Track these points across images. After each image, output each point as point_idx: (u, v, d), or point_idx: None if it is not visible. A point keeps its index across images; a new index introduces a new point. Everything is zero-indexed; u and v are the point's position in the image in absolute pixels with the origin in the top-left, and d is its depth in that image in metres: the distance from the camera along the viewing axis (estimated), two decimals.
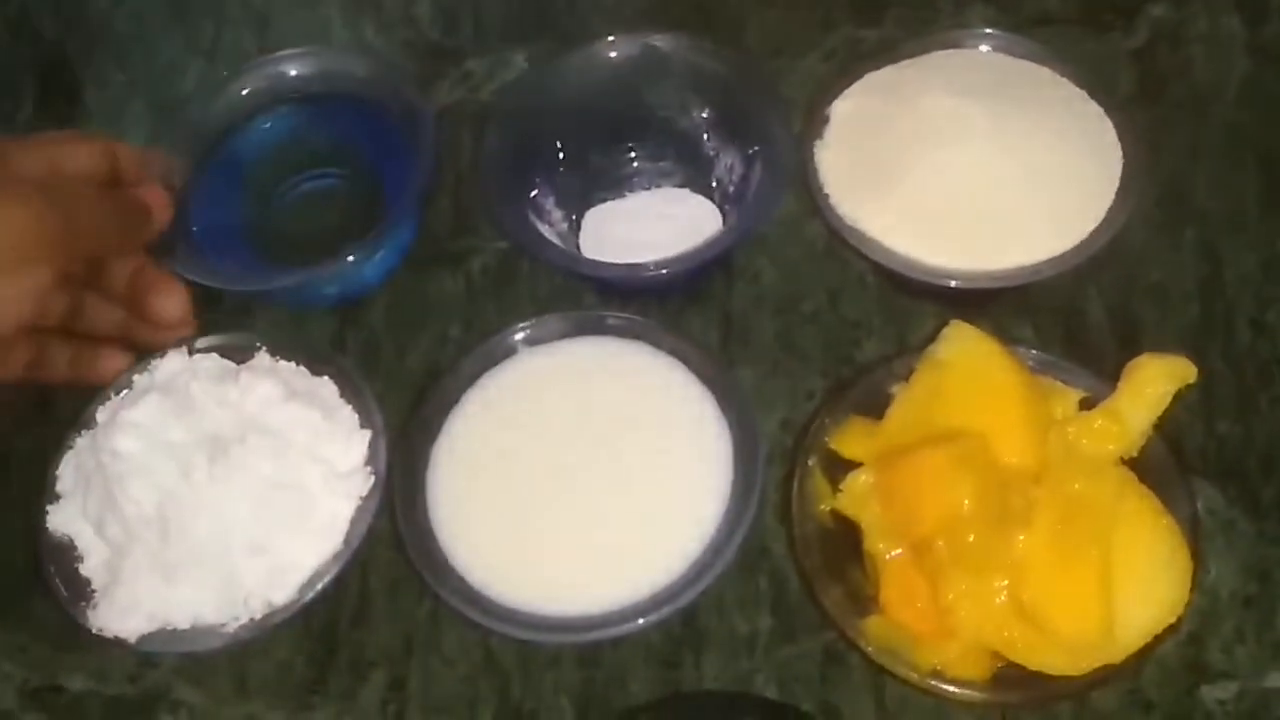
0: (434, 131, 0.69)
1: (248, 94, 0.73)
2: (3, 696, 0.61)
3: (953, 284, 0.62)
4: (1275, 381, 0.64)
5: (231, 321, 0.68)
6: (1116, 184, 0.63)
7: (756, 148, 0.68)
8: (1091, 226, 0.62)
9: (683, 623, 0.60)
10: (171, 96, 0.80)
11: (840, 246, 0.67)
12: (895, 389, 0.60)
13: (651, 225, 0.71)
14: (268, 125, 0.73)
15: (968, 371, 0.57)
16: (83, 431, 0.62)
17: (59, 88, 0.81)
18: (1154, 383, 0.57)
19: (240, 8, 0.83)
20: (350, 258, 0.66)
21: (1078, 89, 0.67)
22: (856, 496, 0.57)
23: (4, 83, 0.81)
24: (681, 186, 0.73)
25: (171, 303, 0.63)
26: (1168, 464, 0.57)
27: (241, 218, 0.72)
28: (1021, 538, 0.53)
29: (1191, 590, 0.54)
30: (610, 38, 0.71)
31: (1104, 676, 0.53)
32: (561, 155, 0.71)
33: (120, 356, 0.63)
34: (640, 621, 0.55)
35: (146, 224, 0.62)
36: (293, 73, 0.73)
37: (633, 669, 0.60)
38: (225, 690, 0.61)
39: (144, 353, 0.64)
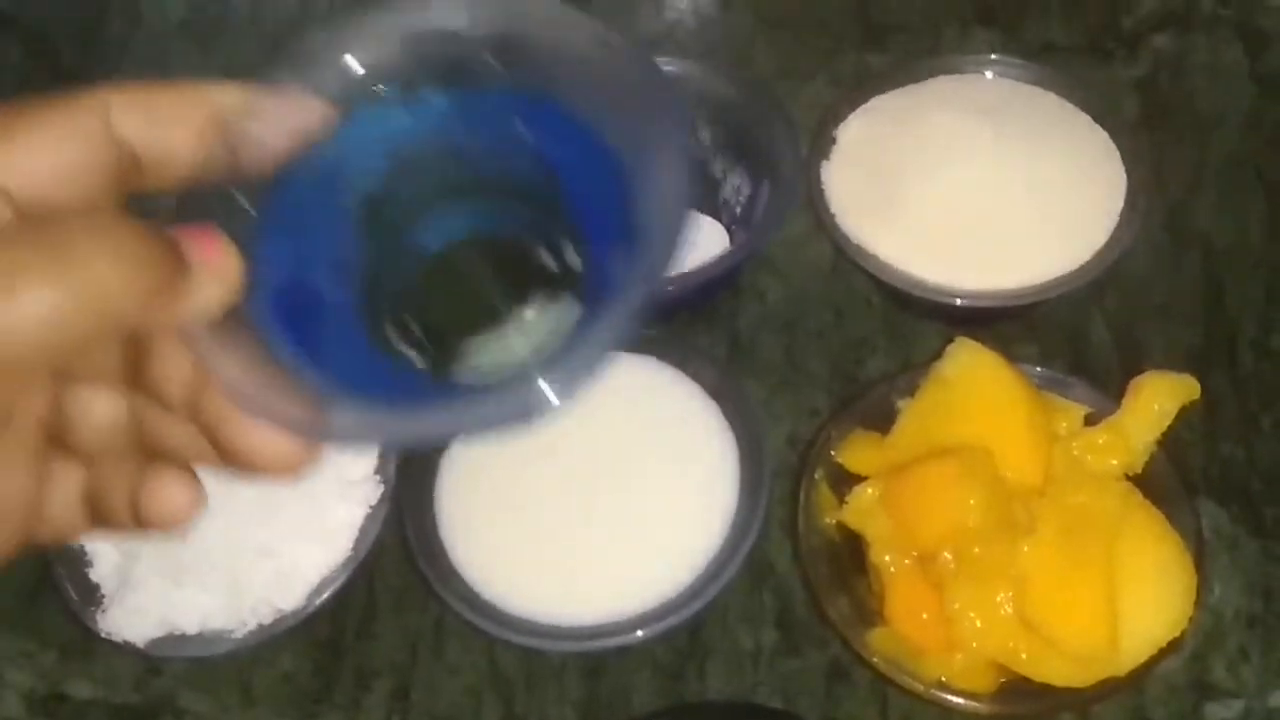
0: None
1: (371, 61, 0.38)
2: (9, 704, 0.62)
3: (958, 303, 0.62)
4: (1278, 404, 0.64)
5: None
6: (1120, 205, 0.64)
7: (763, 169, 0.68)
8: (1096, 247, 0.63)
9: (687, 636, 0.60)
10: None
11: (846, 266, 0.68)
12: (901, 404, 0.60)
13: None
14: (398, 121, 0.40)
15: (973, 387, 0.58)
16: None
17: None
18: (1158, 399, 0.57)
19: (252, 25, 0.84)
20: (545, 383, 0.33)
21: (1081, 113, 0.68)
22: (862, 509, 0.57)
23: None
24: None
25: (265, 436, 0.34)
26: (1171, 481, 0.57)
27: (346, 280, 0.40)
28: (1026, 550, 0.53)
29: (1196, 606, 0.54)
30: None
31: (1108, 689, 0.53)
32: None
33: (186, 488, 0.36)
34: (642, 633, 0.56)
35: (188, 290, 0.32)
36: (456, 24, 0.38)
37: (637, 681, 0.60)
38: (231, 698, 0.61)
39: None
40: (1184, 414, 0.58)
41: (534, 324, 0.37)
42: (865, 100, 0.70)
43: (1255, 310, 0.67)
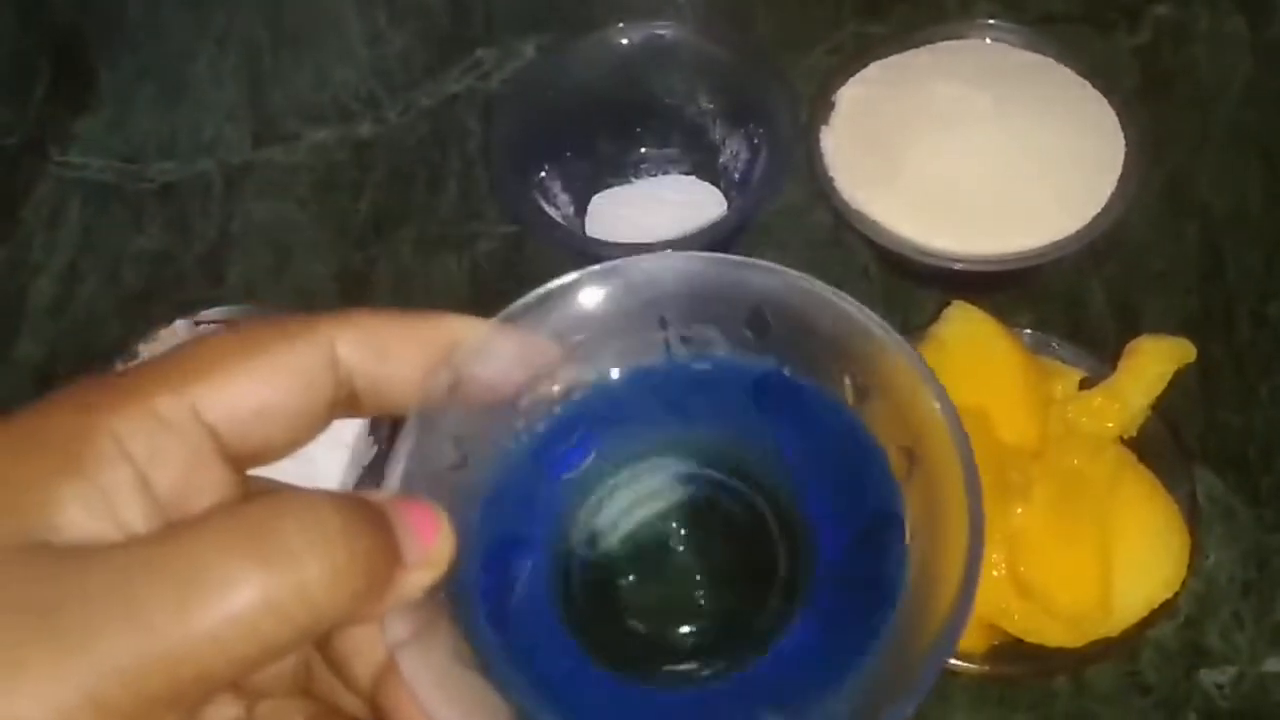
0: None
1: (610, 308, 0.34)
2: None
3: (956, 267, 0.62)
4: (1275, 372, 0.64)
5: (234, 295, 0.68)
6: (1119, 170, 0.64)
7: (762, 134, 0.68)
8: (1094, 211, 0.62)
9: None
10: (184, 79, 0.80)
11: (845, 232, 0.67)
12: None
13: (657, 210, 0.71)
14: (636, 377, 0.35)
15: (969, 350, 0.58)
16: None
17: (72, 71, 0.82)
18: (1153, 362, 0.57)
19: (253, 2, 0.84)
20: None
21: (1081, 80, 0.67)
22: None
23: (19, 65, 0.82)
24: (688, 173, 0.73)
25: None
26: (1166, 445, 0.57)
27: (548, 555, 0.35)
28: (1020, 512, 0.53)
29: (1189, 569, 0.54)
30: (620, 25, 0.72)
31: (1101, 650, 0.53)
32: (570, 141, 0.72)
33: None
34: None
35: (399, 585, 0.29)
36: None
37: None
38: None
39: None
40: (1180, 381, 0.58)
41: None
42: (864, 66, 0.70)
43: (1253, 279, 0.67)
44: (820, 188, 0.66)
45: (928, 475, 0.31)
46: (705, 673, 0.32)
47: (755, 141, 0.69)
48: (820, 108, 0.68)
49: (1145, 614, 0.53)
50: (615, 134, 0.73)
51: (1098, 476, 0.54)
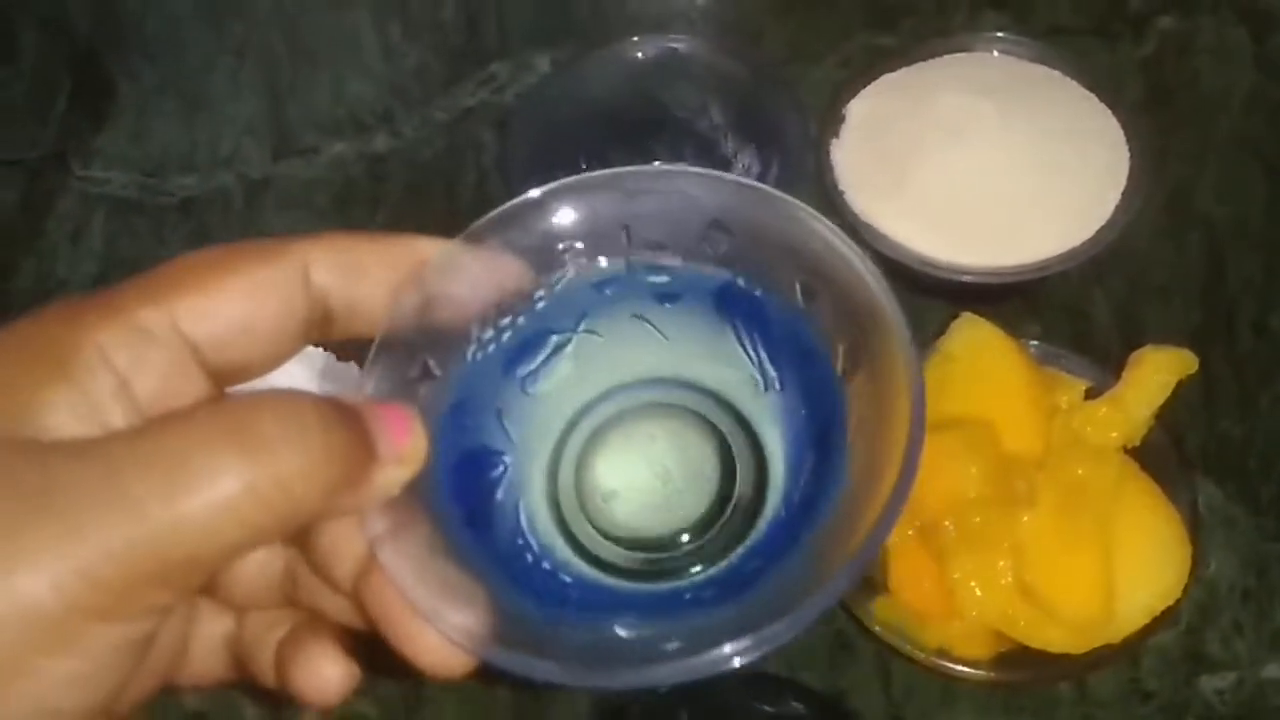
0: None
1: (582, 226, 0.36)
2: None
3: (964, 278, 0.63)
4: (1275, 382, 0.65)
5: None
6: (1124, 182, 0.65)
7: (773, 148, 0.69)
8: (1099, 223, 0.63)
9: None
10: (202, 92, 0.82)
11: (855, 244, 0.68)
12: None
13: None
14: (597, 292, 0.37)
15: (976, 362, 0.59)
16: None
17: (92, 85, 0.83)
18: (1157, 373, 0.58)
19: (270, 8, 0.85)
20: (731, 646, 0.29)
21: (1087, 92, 0.68)
22: None
23: (40, 79, 0.83)
24: None
25: (430, 642, 0.31)
26: (1169, 455, 0.58)
27: (521, 456, 0.37)
28: (1025, 520, 0.54)
29: (1190, 576, 0.55)
30: (633, 39, 0.73)
31: (1104, 657, 0.54)
32: (583, 154, 0.73)
33: (339, 667, 0.33)
34: None
35: (374, 479, 0.31)
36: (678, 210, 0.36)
37: None
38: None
39: None
40: (1183, 392, 0.59)
41: (711, 535, 0.35)
42: (874, 79, 0.71)
43: (1255, 290, 0.68)
44: (830, 200, 0.67)
45: (874, 368, 0.33)
46: (689, 570, 0.35)
47: (766, 154, 0.70)
48: (830, 120, 0.69)
49: (1147, 621, 0.54)
50: (628, 147, 0.74)
51: (1101, 485, 0.55)
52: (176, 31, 0.86)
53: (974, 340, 0.59)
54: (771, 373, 0.36)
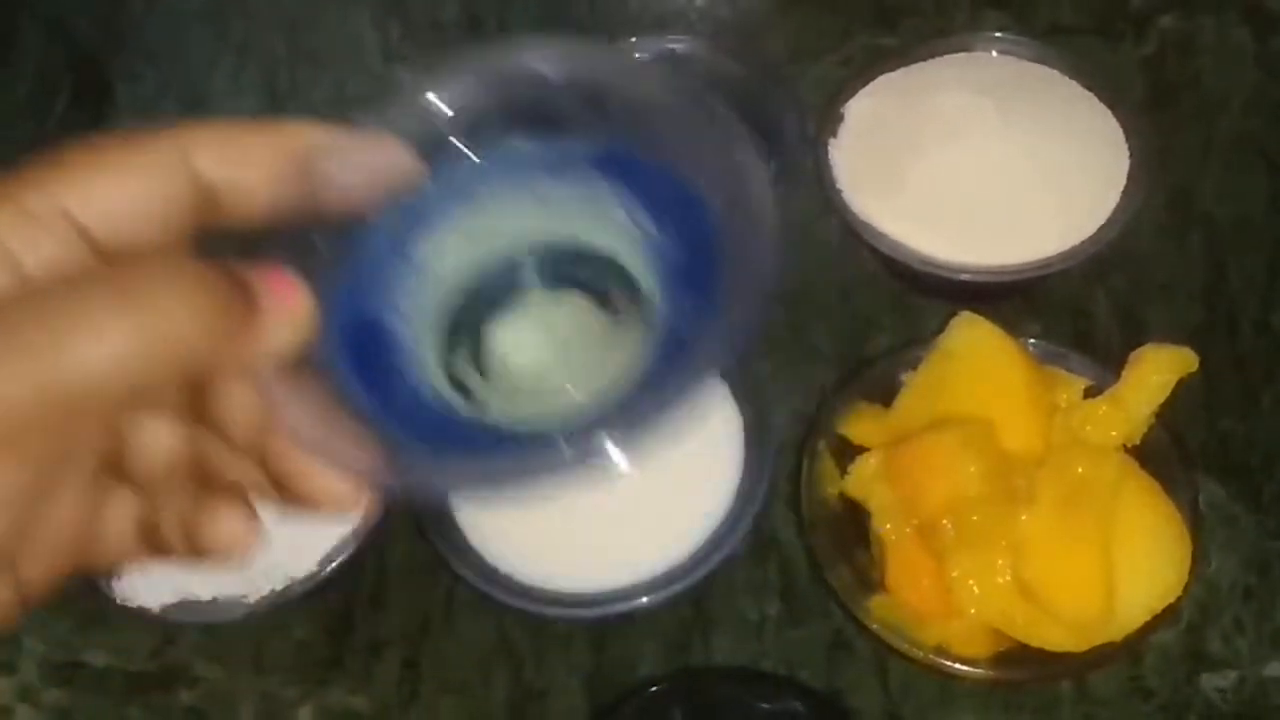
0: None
1: (458, 104, 0.37)
2: (26, 671, 0.63)
3: (963, 277, 0.63)
4: (1276, 380, 0.65)
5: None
6: (1124, 181, 0.64)
7: (772, 147, 0.69)
8: (1099, 222, 0.63)
9: (693, 607, 0.61)
10: (202, 93, 0.82)
11: (853, 243, 0.68)
12: (904, 377, 0.61)
13: None
14: (479, 167, 0.38)
15: (975, 360, 0.59)
16: None
17: (92, 85, 0.83)
18: (1157, 371, 0.58)
19: (270, 8, 0.85)
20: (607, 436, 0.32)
21: (1087, 92, 0.68)
22: (864, 480, 0.58)
23: (40, 80, 0.83)
24: None
25: (327, 480, 0.34)
26: (1169, 453, 0.58)
27: (415, 326, 0.38)
28: (1024, 518, 0.54)
29: (1191, 575, 0.55)
30: (632, 39, 0.73)
31: (1104, 655, 0.54)
32: None
33: (242, 518, 0.35)
34: (648, 599, 0.57)
35: (259, 333, 0.32)
36: (543, 71, 0.37)
37: (643, 651, 0.61)
38: (243, 666, 0.62)
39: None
40: (1183, 390, 0.59)
41: (596, 372, 0.36)
42: (873, 78, 0.71)
43: (1256, 288, 0.68)
44: (829, 199, 0.67)
45: (745, 214, 0.34)
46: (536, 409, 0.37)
47: (764, 154, 0.70)
48: (829, 119, 0.69)
49: (1148, 619, 0.54)
50: None
51: (1102, 484, 0.55)
52: (176, 33, 0.86)
53: (974, 339, 0.59)
54: (650, 227, 0.37)
